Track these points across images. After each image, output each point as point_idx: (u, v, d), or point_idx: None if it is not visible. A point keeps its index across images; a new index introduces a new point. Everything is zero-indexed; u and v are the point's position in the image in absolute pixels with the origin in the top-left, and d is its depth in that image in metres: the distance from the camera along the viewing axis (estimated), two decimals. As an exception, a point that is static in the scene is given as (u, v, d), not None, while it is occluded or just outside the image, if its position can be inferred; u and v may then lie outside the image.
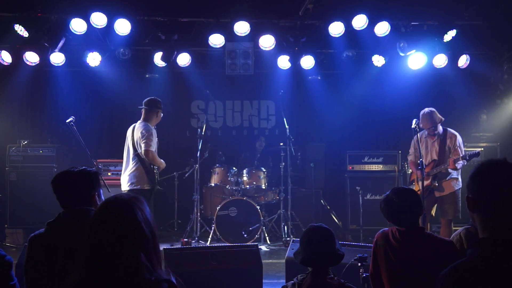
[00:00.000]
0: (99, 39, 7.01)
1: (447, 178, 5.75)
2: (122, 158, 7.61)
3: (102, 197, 2.56)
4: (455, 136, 5.82)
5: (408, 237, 2.79)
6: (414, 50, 7.05)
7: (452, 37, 6.87)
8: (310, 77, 8.08)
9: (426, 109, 5.88)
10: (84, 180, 2.48)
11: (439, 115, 5.86)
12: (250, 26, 6.82)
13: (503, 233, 1.52)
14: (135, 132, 5.75)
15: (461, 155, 5.58)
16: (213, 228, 6.98)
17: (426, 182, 5.69)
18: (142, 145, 5.58)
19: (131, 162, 5.73)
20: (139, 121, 5.85)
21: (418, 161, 5.41)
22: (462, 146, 5.80)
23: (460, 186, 5.77)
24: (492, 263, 1.49)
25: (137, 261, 1.61)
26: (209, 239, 6.99)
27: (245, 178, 7.35)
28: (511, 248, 1.49)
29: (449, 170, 5.71)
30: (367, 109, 8.62)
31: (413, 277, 2.71)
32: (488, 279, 1.47)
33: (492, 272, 1.47)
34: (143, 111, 5.84)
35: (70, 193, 2.43)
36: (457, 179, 5.76)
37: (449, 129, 5.93)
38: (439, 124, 5.85)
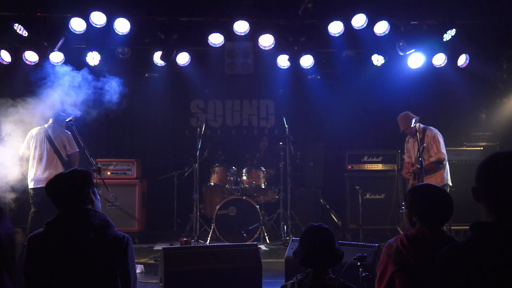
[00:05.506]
0: (98, 38, 6.99)
1: (432, 175, 5.81)
2: (121, 157, 7.70)
3: (98, 195, 2.56)
4: (432, 133, 5.93)
5: (429, 240, 2.51)
6: (414, 50, 7.05)
7: (452, 36, 6.87)
8: (309, 77, 8.08)
9: (401, 113, 6.08)
10: (76, 180, 2.46)
11: (411, 115, 5.94)
12: (250, 26, 6.82)
13: (504, 219, 1.54)
14: (54, 134, 6.07)
15: (435, 151, 5.76)
16: (212, 227, 6.99)
17: (412, 181, 5.84)
18: (71, 147, 6.18)
19: (51, 161, 6.07)
20: (50, 124, 6.17)
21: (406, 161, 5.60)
22: (439, 142, 5.86)
23: (446, 183, 5.80)
24: (489, 245, 1.50)
25: None
26: (209, 238, 7.00)
27: (244, 177, 7.35)
28: (509, 231, 1.50)
29: (430, 166, 5.79)
30: (366, 109, 8.61)
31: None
32: (483, 260, 1.49)
33: (488, 253, 1.49)
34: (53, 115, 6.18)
35: (65, 195, 2.42)
36: (441, 174, 5.83)
37: (429, 127, 5.99)
38: (415, 124, 5.72)
